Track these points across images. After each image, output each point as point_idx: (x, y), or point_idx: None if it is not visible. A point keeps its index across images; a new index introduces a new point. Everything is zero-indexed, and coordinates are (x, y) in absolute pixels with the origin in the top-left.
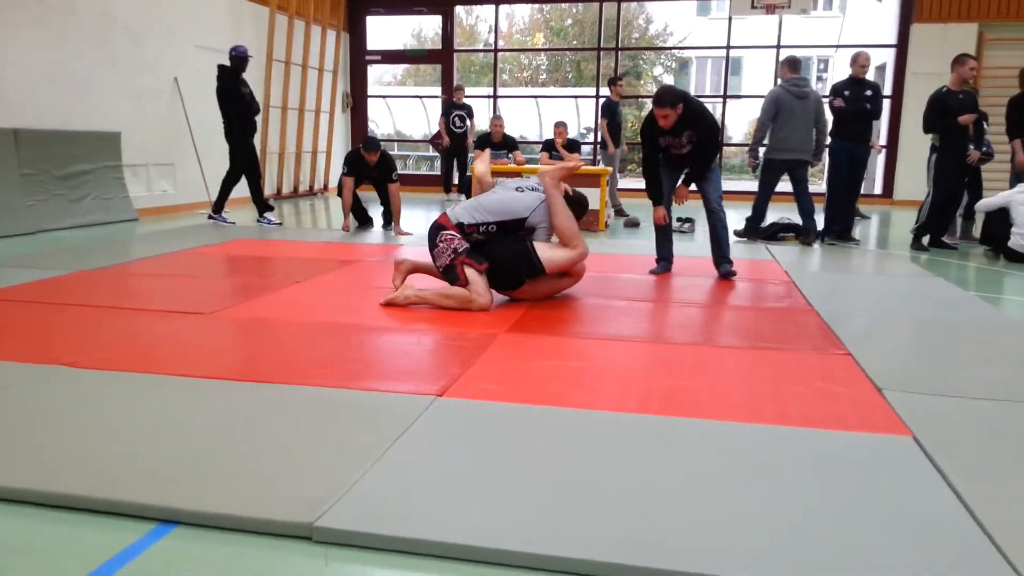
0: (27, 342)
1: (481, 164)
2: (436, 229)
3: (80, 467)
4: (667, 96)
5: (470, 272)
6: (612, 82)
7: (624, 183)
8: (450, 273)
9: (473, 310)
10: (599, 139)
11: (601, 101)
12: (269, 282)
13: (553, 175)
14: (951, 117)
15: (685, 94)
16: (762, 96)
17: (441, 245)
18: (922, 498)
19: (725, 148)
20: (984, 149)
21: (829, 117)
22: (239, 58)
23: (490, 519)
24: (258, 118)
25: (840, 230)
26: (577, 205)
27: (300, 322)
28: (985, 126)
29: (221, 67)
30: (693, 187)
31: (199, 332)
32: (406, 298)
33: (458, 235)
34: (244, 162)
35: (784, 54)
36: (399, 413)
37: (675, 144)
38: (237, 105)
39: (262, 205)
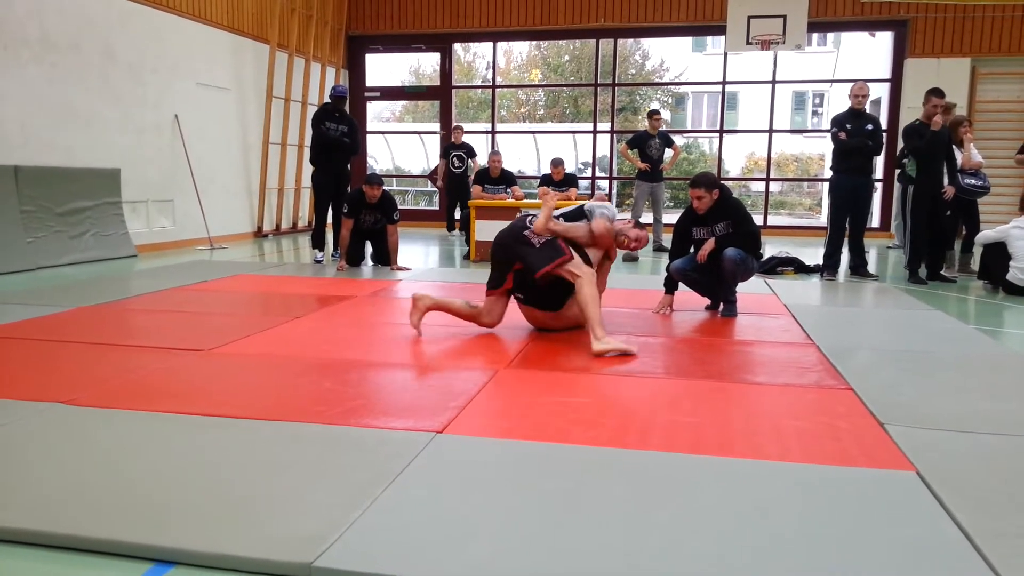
0: (25, 379)
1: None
2: (524, 217)
3: (76, 506)
4: (703, 179)
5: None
6: (649, 115)
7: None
8: (550, 248)
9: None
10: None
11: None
12: (268, 318)
13: (542, 224)
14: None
15: (723, 185)
16: (758, 131)
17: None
18: (926, 533)
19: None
20: (977, 184)
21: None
22: (332, 97)
23: (491, 558)
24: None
25: (856, 266)
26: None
27: (299, 358)
28: (959, 162)
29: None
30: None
31: (198, 369)
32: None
33: None
34: (313, 192)
35: (780, 89)
36: (398, 450)
37: (707, 235)
38: (314, 138)
39: (314, 241)
